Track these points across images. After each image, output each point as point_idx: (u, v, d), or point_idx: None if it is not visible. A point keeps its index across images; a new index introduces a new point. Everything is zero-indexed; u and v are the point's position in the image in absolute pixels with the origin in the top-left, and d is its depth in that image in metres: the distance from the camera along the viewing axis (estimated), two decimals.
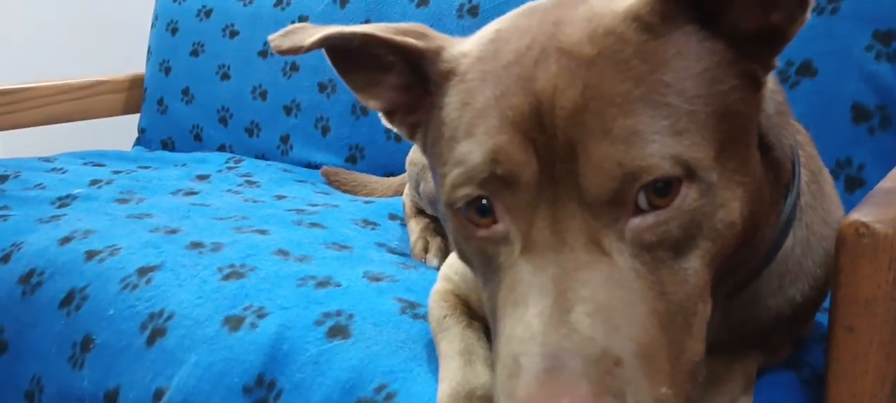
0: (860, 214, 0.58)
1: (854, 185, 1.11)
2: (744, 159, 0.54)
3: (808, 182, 0.68)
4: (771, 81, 0.60)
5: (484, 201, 0.53)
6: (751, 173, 0.55)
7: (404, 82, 0.64)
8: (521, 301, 0.50)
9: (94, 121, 1.90)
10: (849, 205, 0.72)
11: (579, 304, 0.48)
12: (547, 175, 0.51)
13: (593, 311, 0.48)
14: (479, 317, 0.77)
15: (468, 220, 0.54)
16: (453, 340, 0.74)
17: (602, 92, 0.50)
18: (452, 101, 0.56)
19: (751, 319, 0.67)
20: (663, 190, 0.50)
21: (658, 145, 0.49)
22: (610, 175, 0.49)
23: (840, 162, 1.12)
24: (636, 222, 0.50)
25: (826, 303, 0.68)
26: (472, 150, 0.53)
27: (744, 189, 0.53)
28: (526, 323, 0.49)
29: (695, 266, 0.52)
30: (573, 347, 0.47)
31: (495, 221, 0.53)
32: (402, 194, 1.31)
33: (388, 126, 0.68)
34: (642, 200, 0.50)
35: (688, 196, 0.50)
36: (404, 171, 1.25)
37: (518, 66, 0.53)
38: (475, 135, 0.53)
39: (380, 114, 0.67)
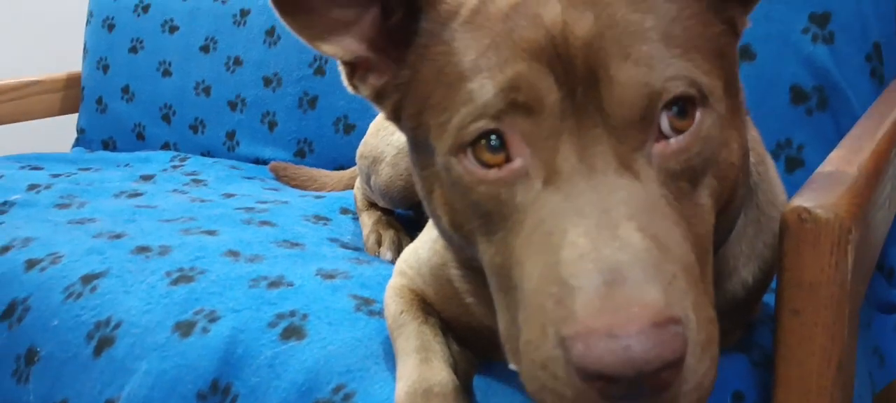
0: (802, 200, 0.59)
1: (794, 166, 1.14)
2: (736, 107, 0.57)
3: (756, 163, 0.69)
4: None
5: (493, 137, 0.52)
6: (741, 121, 0.57)
7: (381, 30, 0.60)
8: (555, 229, 0.48)
9: (30, 122, 1.84)
10: (790, 186, 0.74)
11: (625, 220, 0.47)
12: (568, 102, 0.51)
13: (641, 228, 0.47)
14: (436, 312, 0.77)
15: (477, 163, 0.53)
16: (410, 337, 0.73)
17: (616, 21, 0.51)
18: (455, 45, 0.55)
19: None
20: (681, 112, 0.51)
21: (675, 68, 0.51)
22: (638, 93, 0.50)
23: (780, 143, 1.15)
24: (661, 147, 0.51)
25: (773, 285, 0.70)
26: (483, 85, 0.52)
27: (738, 133, 0.56)
28: (570, 244, 0.47)
29: (708, 203, 0.53)
30: (631, 259, 0.45)
31: (508, 159, 0.52)
32: (353, 188, 1.30)
33: (348, 86, 0.63)
34: (665, 125, 0.51)
35: (704, 121, 0.52)
36: (354, 164, 1.24)
37: (523, 7, 0.53)
38: (484, 71, 0.52)
39: (342, 72, 0.63)
